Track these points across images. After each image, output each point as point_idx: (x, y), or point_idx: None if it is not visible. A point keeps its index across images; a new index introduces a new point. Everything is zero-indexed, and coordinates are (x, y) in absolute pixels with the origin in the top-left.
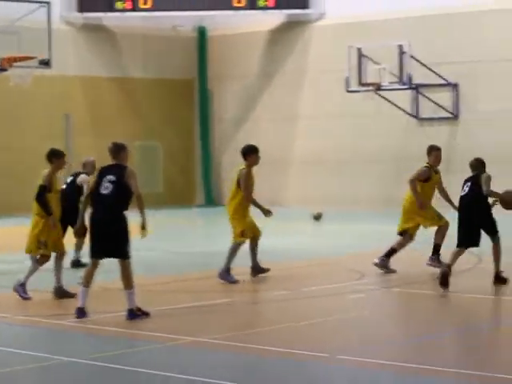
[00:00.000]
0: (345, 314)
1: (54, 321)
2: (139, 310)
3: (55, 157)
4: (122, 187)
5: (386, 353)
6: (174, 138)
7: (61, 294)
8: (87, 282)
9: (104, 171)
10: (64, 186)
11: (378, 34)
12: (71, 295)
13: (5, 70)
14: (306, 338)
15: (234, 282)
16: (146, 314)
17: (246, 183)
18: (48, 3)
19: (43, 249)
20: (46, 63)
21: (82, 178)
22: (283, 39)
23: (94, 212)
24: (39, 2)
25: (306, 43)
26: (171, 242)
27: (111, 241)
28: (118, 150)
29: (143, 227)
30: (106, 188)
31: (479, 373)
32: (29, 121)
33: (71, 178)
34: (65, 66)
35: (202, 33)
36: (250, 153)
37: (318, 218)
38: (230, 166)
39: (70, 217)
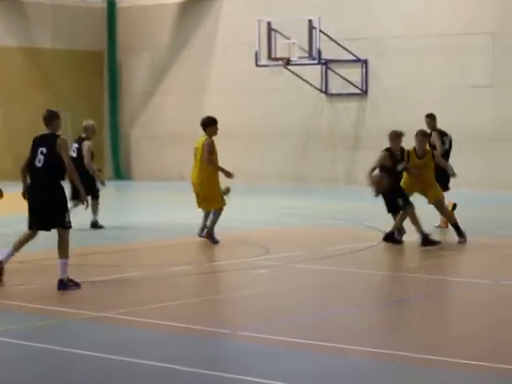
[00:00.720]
0: (247, 290)
1: None
2: (70, 280)
3: None
4: (55, 159)
5: (287, 329)
6: (83, 109)
7: None
8: (16, 248)
9: (37, 142)
10: (74, 154)
11: (287, 8)
12: None
13: None
14: (207, 314)
15: (217, 242)
16: (77, 285)
17: (209, 150)
18: None
19: None
20: None
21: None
22: (193, 11)
23: (30, 184)
24: None
25: (215, 16)
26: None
27: (49, 212)
28: (50, 117)
29: (80, 198)
30: (39, 161)
31: (380, 350)
32: None
33: (76, 145)
34: None
35: (111, 3)
36: (210, 124)
37: (226, 192)
38: (139, 139)
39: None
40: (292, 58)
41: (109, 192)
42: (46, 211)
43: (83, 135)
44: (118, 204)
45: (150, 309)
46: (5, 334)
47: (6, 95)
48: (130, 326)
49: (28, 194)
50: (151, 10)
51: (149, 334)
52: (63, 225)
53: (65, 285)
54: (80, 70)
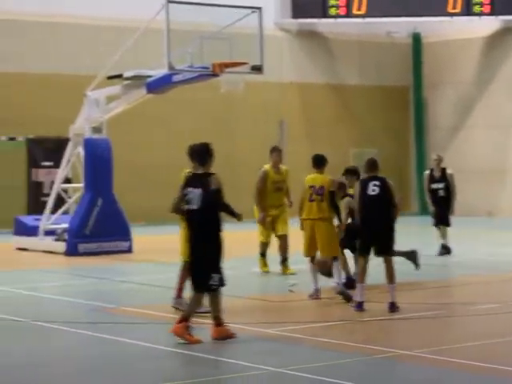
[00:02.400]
0: None
1: (260, 329)
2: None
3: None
4: (385, 191)
5: None
6: (389, 145)
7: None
8: (361, 278)
9: (367, 180)
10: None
11: None
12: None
13: (216, 75)
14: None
15: None
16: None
17: None
18: (259, 9)
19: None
20: (258, 69)
21: None
22: (499, 46)
23: (365, 212)
24: (251, 8)
25: None
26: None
27: (381, 239)
28: (372, 164)
29: None
30: (373, 190)
31: None
32: (240, 128)
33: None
34: (279, 72)
35: (416, 39)
36: None
37: None
38: None
39: None
40: None
41: (414, 227)
42: (380, 239)
43: None
44: (422, 239)
45: (460, 348)
46: (317, 372)
47: (313, 132)
48: (438, 366)
49: (363, 222)
50: (457, 44)
51: (459, 376)
52: (392, 253)
53: (394, 307)
54: (386, 106)
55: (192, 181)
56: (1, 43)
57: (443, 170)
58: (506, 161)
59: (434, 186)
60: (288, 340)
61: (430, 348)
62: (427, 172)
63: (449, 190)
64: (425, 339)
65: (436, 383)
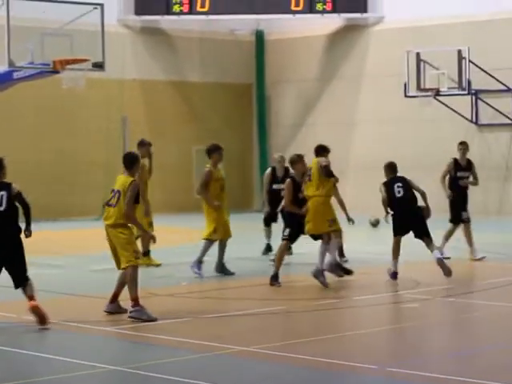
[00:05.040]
0: (396, 325)
1: (100, 327)
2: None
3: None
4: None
5: (436, 365)
6: (232, 142)
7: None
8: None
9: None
10: None
11: (436, 38)
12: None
13: (57, 72)
14: (355, 349)
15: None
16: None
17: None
18: (101, 5)
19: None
20: (99, 66)
21: None
22: (341, 43)
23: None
24: (92, 4)
25: (364, 47)
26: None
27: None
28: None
29: None
30: (399, 192)
31: None
32: (83, 124)
33: None
34: (122, 69)
35: (259, 37)
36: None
37: (375, 224)
38: None
39: None
40: (441, 89)
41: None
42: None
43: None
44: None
45: (295, 344)
46: (153, 369)
47: (155, 128)
48: (276, 362)
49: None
50: (299, 42)
51: (296, 370)
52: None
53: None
54: (229, 103)
55: None
56: None
57: (287, 170)
58: (347, 157)
59: (276, 186)
60: (126, 337)
61: (271, 344)
62: (268, 171)
63: None
64: (266, 335)
65: (272, 379)
